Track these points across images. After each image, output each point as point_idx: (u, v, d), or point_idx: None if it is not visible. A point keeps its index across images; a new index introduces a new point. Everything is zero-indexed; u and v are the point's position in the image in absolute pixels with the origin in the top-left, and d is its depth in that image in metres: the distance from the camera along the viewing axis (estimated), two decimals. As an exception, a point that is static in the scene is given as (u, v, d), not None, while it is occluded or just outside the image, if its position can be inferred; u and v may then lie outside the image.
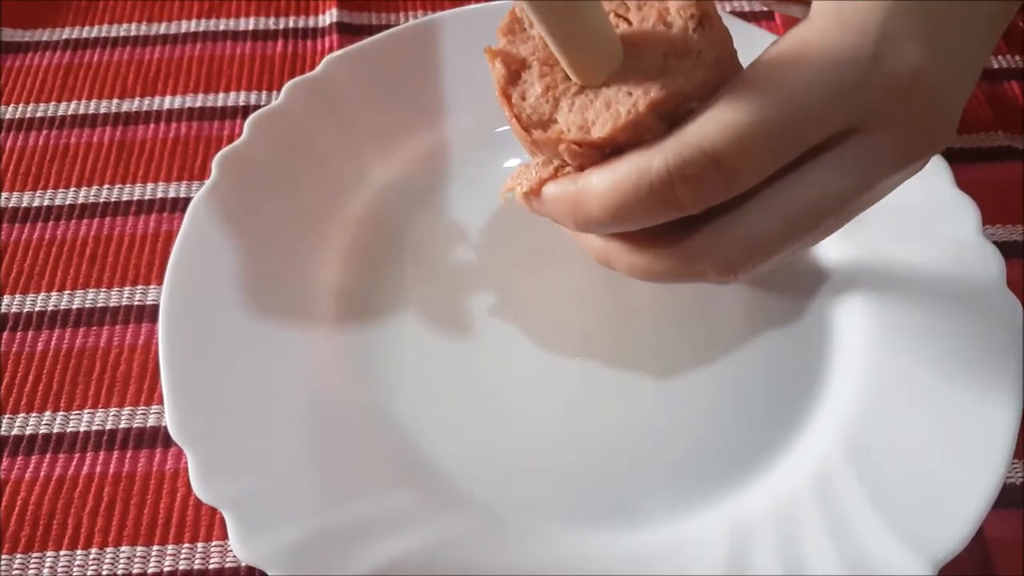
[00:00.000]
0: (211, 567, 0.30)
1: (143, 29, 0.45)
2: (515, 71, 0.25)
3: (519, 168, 0.27)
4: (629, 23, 0.24)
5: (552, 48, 0.23)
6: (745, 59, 0.24)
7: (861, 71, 0.21)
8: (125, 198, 0.39)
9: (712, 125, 0.21)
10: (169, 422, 0.30)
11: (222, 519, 0.28)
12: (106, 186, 0.40)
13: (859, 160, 0.22)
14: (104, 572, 0.30)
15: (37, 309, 0.36)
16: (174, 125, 0.42)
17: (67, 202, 0.39)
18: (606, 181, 0.23)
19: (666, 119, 0.23)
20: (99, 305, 0.36)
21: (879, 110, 0.22)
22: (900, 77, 0.21)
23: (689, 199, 0.22)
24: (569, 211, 0.24)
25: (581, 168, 0.24)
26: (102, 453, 0.33)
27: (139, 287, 0.37)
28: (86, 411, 0.34)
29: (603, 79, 0.24)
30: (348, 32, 0.45)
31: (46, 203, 0.39)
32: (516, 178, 0.27)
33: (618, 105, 0.23)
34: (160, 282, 0.33)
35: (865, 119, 0.22)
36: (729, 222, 0.23)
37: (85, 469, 0.32)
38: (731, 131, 0.21)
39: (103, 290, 0.37)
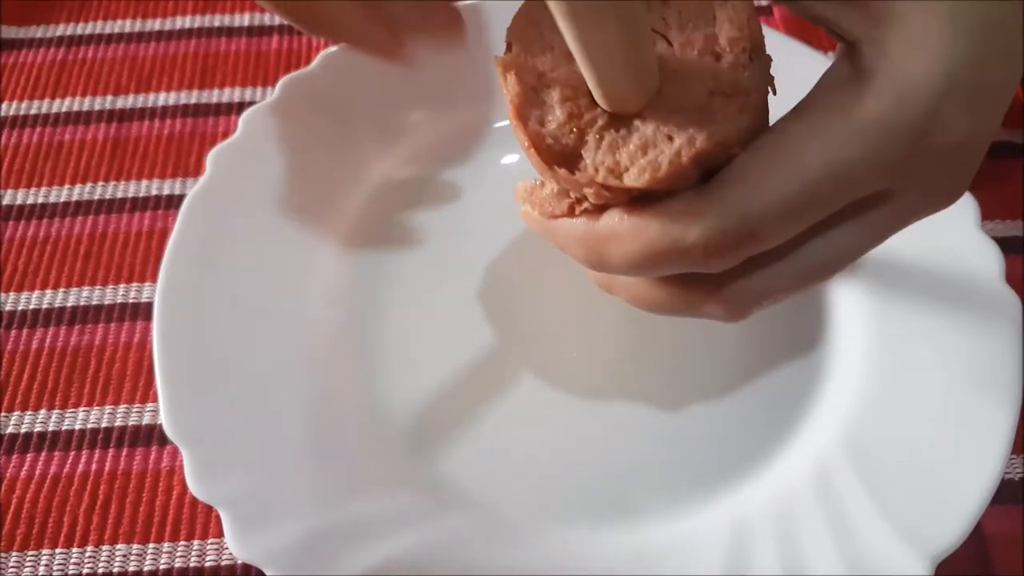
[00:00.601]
0: (207, 565, 0.30)
1: (137, 26, 0.45)
2: (532, 88, 0.21)
3: (529, 186, 0.25)
4: (668, 43, 0.21)
5: (582, 67, 0.20)
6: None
7: (909, 147, 0.20)
8: (120, 195, 0.39)
9: (757, 196, 0.20)
10: (164, 420, 0.30)
11: (218, 517, 0.28)
12: (100, 183, 0.40)
13: (884, 220, 0.22)
14: (100, 570, 0.30)
15: (32, 307, 0.36)
16: (168, 122, 0.41)
17: (61, 199, 0.39)
18: (636, 240, 0.21)
19: (703, 166, 0.21)
20: (94, 303, 0.36)
21: (918, 177, 0.21)
22: (945, 151, 0.21)
23: (718, 264, 0.21)
24: (584, 252, 0.23)
25: (602, 208, 0.22)
26: (97, 451, 0.33)
27: (134, 284, 0.37)
28: (81, 409, 0.33)
29: (636, 108, 0.21)
30: (344, 28, 0.45)
31: (40, 200, 0.39)
32: (527, 197, 0.24)
33: (657, 153, 0.20)
34: (155, 279, 0.33)
35: (902, 185, 0.21)
36: (744, 275, 0.23)
37: (80, 467, 0.32)
38: (777, 204, 0.20)
39: (98, 288, 0.36)
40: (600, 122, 0.21)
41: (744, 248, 0.21)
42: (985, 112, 0.21)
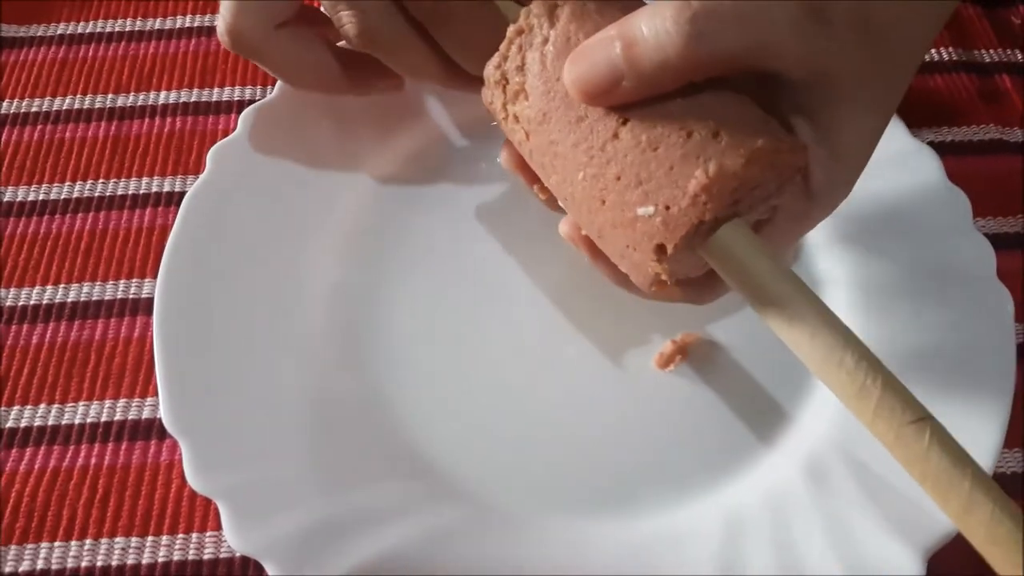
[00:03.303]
0: (205, 558, 0.30)
1: (138, 24, 0.46)
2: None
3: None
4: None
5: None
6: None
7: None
8: (120, 192, 0.39)
9: None
10: (163, 413, 0.30)
11: (216, 510, 0.29)
12: (101, 180, 0.40)
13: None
14: (98, 563, 0.30)
15: (32, 302, 0.36)
16: (168, 120, 0.42)
17: (62, 196, 0.39)
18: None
19: None
20: (94, 298, 0.36)
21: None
22: None
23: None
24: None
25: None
26: (97, 445, 0.33)
27: (134, 280, 0.37)
28: (81, 403, 0.34)
29: None
30: (343, 27, 0.45)
31: (41, 197, 0.39)
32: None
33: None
34: (155, 275, 0.34)
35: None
36: None
37: (80, 461, 0.32)
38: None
39: (98, 283, 0.37)
40: None
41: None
42: None
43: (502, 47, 0.26)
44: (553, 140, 0.25)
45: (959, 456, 0.21)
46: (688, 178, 0.23)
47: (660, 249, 0.24)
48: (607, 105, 0.24)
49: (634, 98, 0.23)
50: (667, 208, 0.23)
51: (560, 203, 0.27)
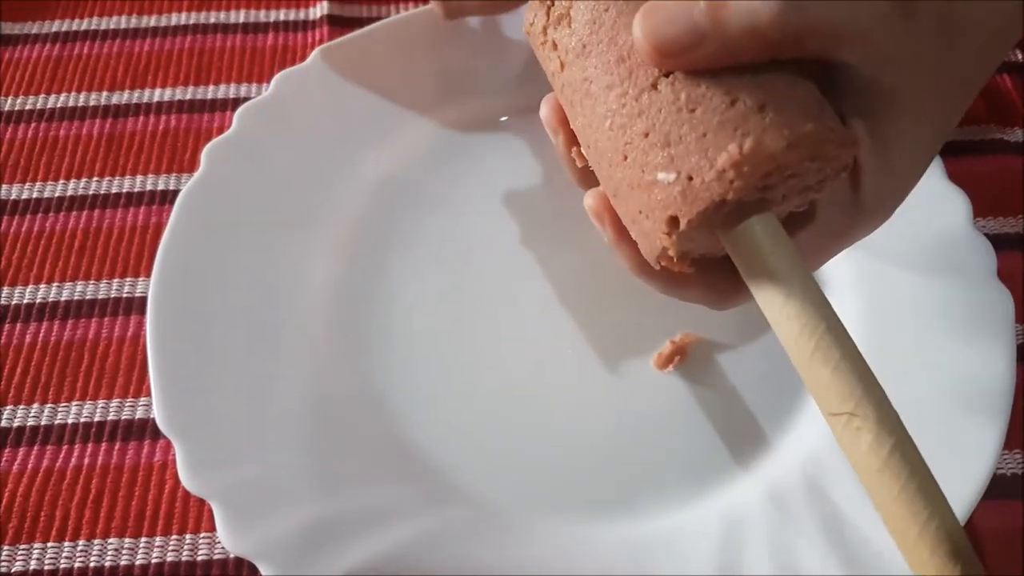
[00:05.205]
0: (199, 558, 0.30)
1: (133, 22, 0.45)
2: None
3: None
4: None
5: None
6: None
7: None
8: (114, 190, 0.39)
9: None
10: (157, 414, 0.30)
11: (210, 511, 0.28)
12: (95, 178, 0.40)
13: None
14: (92, 564, 0.30)
15: (26, 301, 0.36)
16: (163, 117, 0.42)
17: (56, 194, 0.39)
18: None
19: None
20: (88, 297, 0.36)
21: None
22: None
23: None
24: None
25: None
26: (90, 445, 0.33)
27: (128, 279, 0.37)
28: (74, 403, 0.33)
29: None
30: (339, 25, 0.45)
31: (35, 195, 0.39)
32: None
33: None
34: (149, 274, 0.33)
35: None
36: None
37: (73, 461, 0.32)
38: None
39: (92, 282, 0.36)
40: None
41: None
42: None
43: None
44: (587, 77, 0.23)
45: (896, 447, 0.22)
46: (720, 150, 0.21)
47: (673, 222, 0.22)
48: (679, 68, 0.21)
49: (709, 64, 0.21)
50: (689, 178, 0.21)
51: (583, 150, 0.25)
